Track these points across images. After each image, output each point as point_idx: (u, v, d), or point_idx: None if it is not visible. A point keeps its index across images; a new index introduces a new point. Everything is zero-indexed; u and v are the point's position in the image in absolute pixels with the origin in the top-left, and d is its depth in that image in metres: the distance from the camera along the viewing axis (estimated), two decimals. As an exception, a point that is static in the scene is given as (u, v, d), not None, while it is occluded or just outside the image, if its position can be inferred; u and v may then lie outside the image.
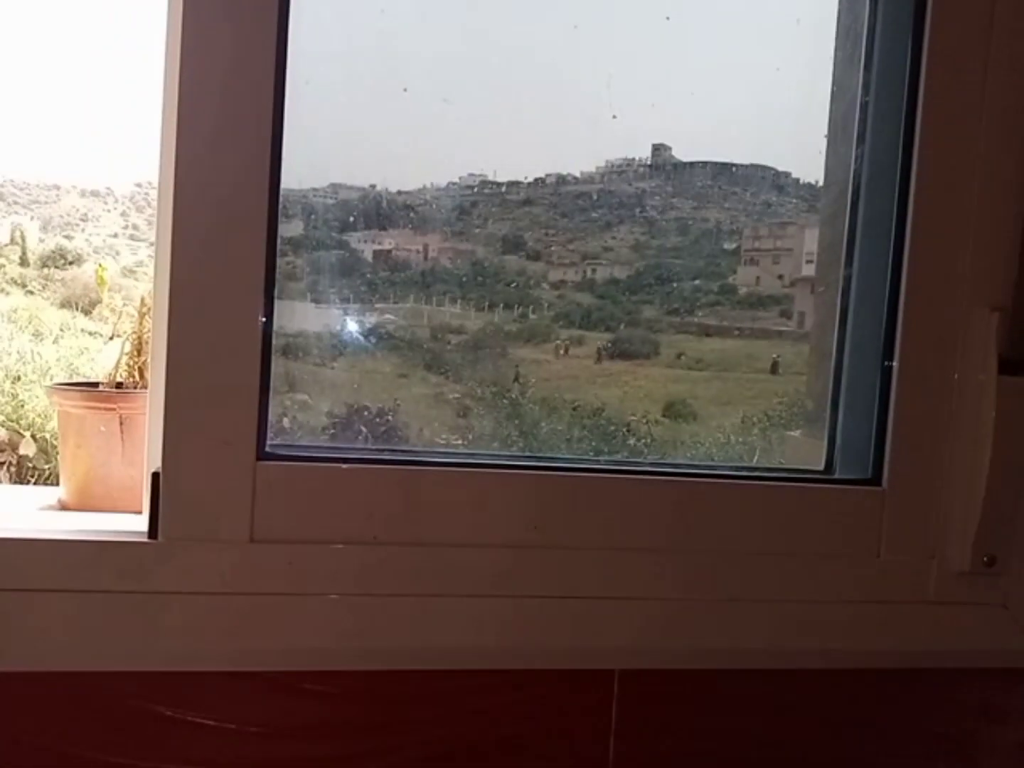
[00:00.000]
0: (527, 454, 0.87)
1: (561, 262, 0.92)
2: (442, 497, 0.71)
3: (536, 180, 0.89)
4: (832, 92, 0.83)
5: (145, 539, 0.65)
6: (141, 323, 0.96)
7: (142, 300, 0.97)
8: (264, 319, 0.67)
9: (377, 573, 0.69)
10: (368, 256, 0.85)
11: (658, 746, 0.76)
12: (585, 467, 0.78)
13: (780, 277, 0.95)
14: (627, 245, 0.92)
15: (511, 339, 0.90)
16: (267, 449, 0.68)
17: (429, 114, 0.81)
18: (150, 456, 0.70)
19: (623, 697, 0.74)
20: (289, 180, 0.77)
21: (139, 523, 0.67)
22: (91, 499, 0.87)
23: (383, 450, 0.80)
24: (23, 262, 2.82)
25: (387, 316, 0.85)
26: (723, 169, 0.91)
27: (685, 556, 0.75)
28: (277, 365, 0.77)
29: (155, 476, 0.65)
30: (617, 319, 0.93)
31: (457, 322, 0.89)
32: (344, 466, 0.69)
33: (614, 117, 0.81)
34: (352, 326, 0.83)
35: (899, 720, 0.81)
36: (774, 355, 0.93)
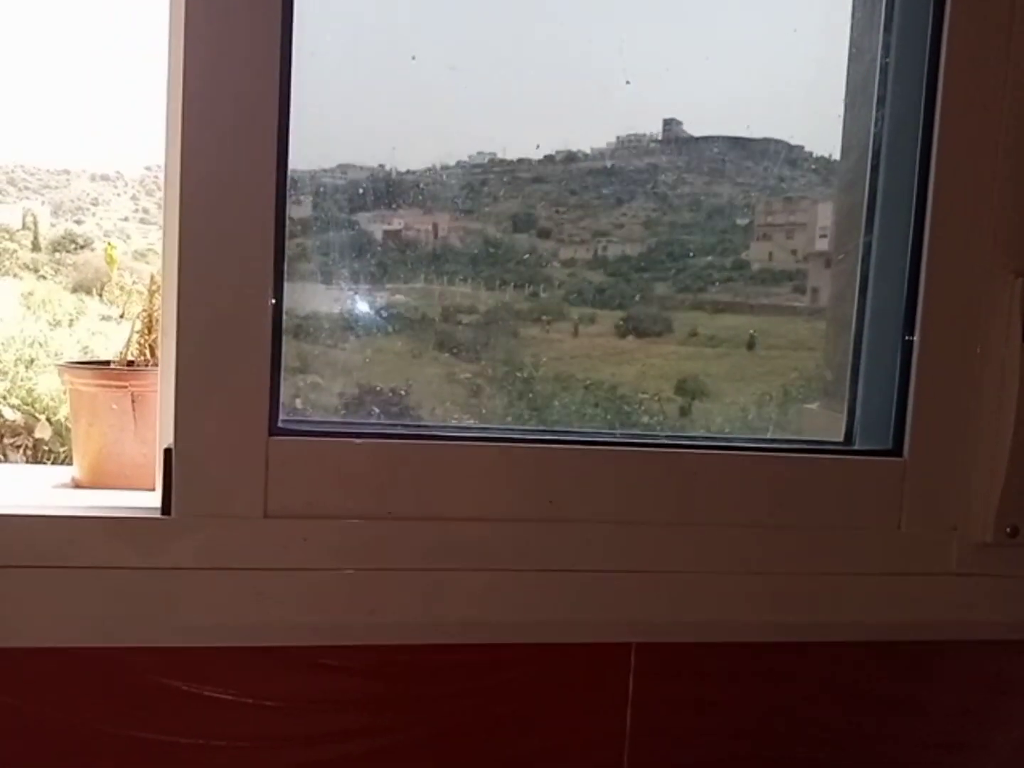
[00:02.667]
0: (541, 428, 0.87)
1: (572, 240, 0.91)
2: (456, 472, 0.71)
3: (546, 157, 0.88)
4: (850, 55, 0.82)
5: (158, 515, 0.66)
6: (151, 301, 0.96)
7: (151, 278, 0.97)
8: (273, 299, 0.67)
9: (391, 548, 0.69)
10: (378, 236, 0.85)
11: (675, 719, 0.76)
12: (600, 440, 0.78)
13: (793, 252, 0.94)
14: (638, 222, 0.91)
15: (522, 318, 0.89)
16: (279, 425, 0.68)
17: (437, 87, 0.81)
18: (162, 433, 0.70)
19: (640, 670, 0.74)
20: (298, 161, 0.77)
21: (152, 500, 0.68)
22: (104, 477, 0.87)
23: (396, 425, 0.80)
24: (35, 247, 2.83)
25: (398, 296, 0.85)
26: (735, 143, 0.90)
27: (702, 529, 0.74)
28: (288, 347, 0.77)
29: (167, 452, 0.65)
30: (629, 296, 0.93)
31: (468, 301, 0.88)
32: (357, 441, 0.69)
33: (628, 83, 0.79)
34: (363, 307, 0.83)
35: (919, 693, 0.81)
36: (751, 331, 0.92)
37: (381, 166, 0.84)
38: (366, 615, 0.68)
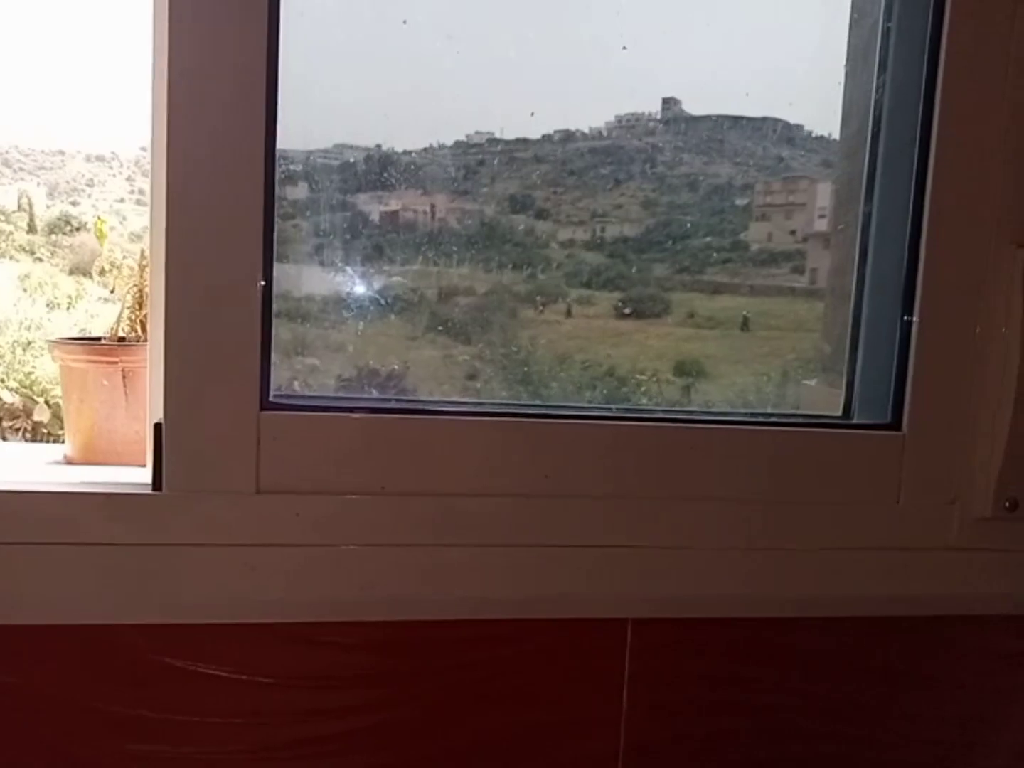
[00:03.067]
0: (536, 403, 0.86)
1: (570, 220, 0.91)
2: (450, 446, 0.70)
3: (544, 137, 0.87)
4: (852, 19, 0.81)
5: (149, 491, 0.65)
6: (141, 277, 0.95)
7: (141, 253, 0.96)
8: (263, 275, 0.66)
9: (385, 523, 0.68)
10: (375, 217, 0.84)
11: (672, 695, 0.77)
12: (595, 415, 0.77)
13: (792, 233, 0.93)
14: (637, 202, 0.90)
15: (520, 299, 0.89)
16: (271, 399, 0.68)
17: (434, 63, 0.80)
18: (152, 408, 0.69)
19: (636, 646, 0.75)
20: (294, 141, 0.76)
21: (143, 476, 0.67)
22: (96, 454, 0.86)
23: (389, 400, 0.79)
24: (31, 228, 2.81)
25: (395, 278, 0.85)
26: (735, 122, 0.89)
27: (699, 503, 0.74)
28: (285, 329, 0.77)
29: (157, 427, 0.65)
30: (627, 278, 0.92)
31: (465, 283, 0.88)
32: (349, 415, 0.69)
33: (624, 48, 0.78)
34: (360, 289, 0.83)
35: (919, 668, 0.81)
36: (744, 312, 0.91)
37: (378, 146, 0.83)
38: (359, 591, 0.68)
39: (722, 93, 0.86)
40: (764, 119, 0.89)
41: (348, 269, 0.83)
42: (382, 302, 0.83)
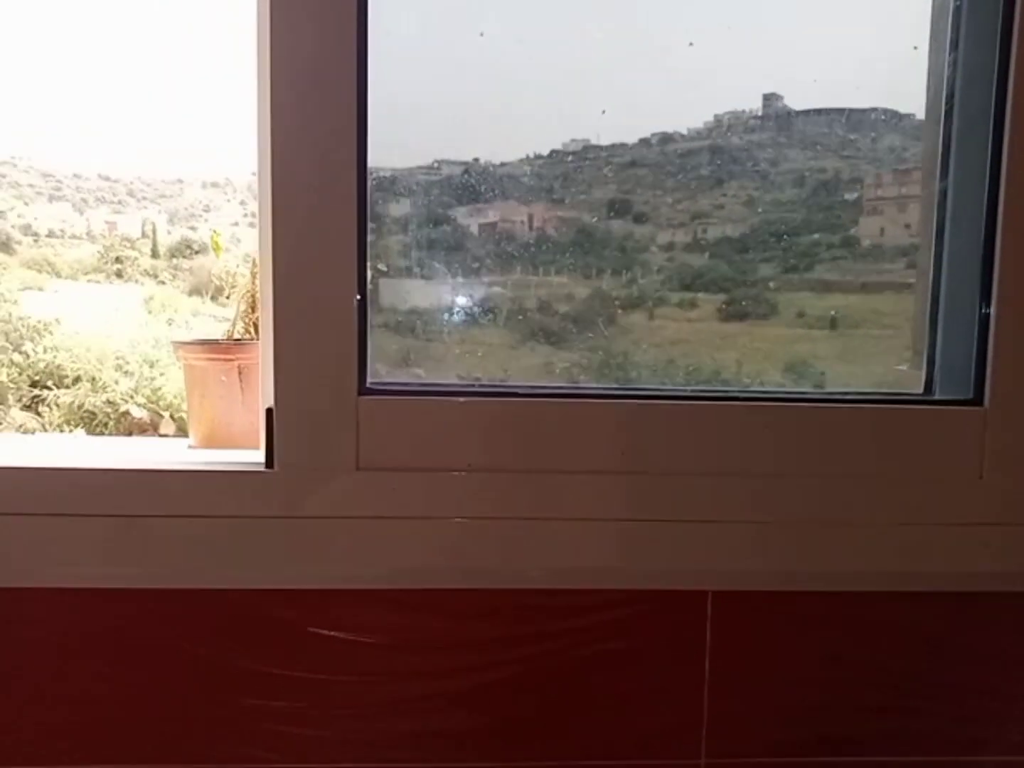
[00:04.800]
0: (615, 385, 0.87)
1: (670, 223, 0.89)
2: (532, 426, 0.74)
3: (641, 140, 0.87)
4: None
5: (263, 468, 0.72)
6: (253, 284, 1.00)
7: (253, 262, 1.02)
8: (359, 284, 0.72)
9: (473, 498, 0.72)
10: (474, 230, 0.85)
11: (753, 666, 0.77)
12: (679, 395, 0.79)
13: (907, 226, 0.89)
14: (739, 202, 0.88)
15: (621, 305, 0.88)
16: (368, 385, 0.73)
17: (531, 77, 0.80)
18: (264, 396, 0.75)
19: (717, 617, 0.76)
20: (395, 160, 0.78)
21: (258, 456, 0.74)
22: (216, 444, 0.93)
23: (472, 384, 0.83)
24: (154, 254, 2.97)
25: (495, 288, 0.85)
26: (839, 115, 0.86)
27: (781, 480, 0.75)
28: (391, 342, 0.80)
29: (268, 412, 0.71)
30: (731, 279, 0.90)
31: (565, 291, 0.88)
32: (438, 398, 0.74)
33: (691, 44, 0.77)
34: (461, 300, 0.84)
35: (1001, 644, 0.79)
36: (832, 311, 0.89)
37: (476, 159, 0.84)
38: (451, 560, 0.73)
39: (824, 85, 0.83)
40: (871, 109, 0.85)
41: (449, 281, 0.84)
42: (483, 312, 0.84)
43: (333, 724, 0.75)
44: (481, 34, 0.79)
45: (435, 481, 0.72)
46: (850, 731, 0.79)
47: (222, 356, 0.96)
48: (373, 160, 0.74)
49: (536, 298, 0.87)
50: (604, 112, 0.83)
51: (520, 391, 0.77)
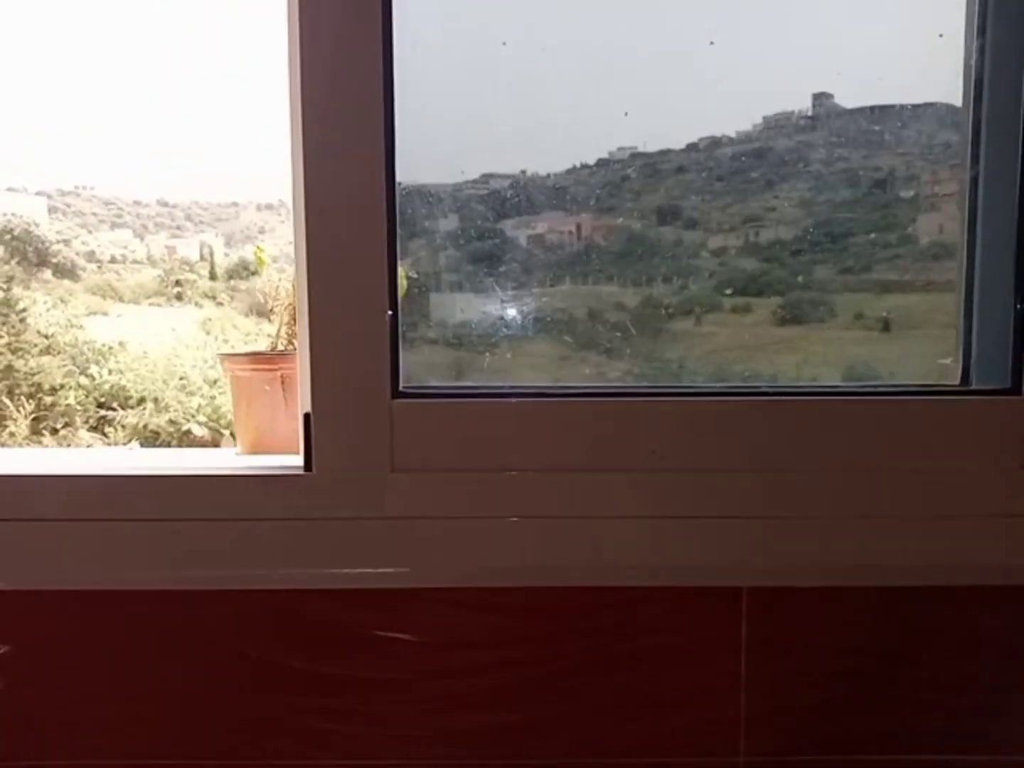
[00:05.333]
0: (644, 384, 0.87)
1: (721, 228, 0.88)
2: (563, 425, 0.75)
3: (689, 146, 0.86)
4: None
5: (302, 472, 0.74)
6: (294, 296, 1.03)
7: (296, 275, 1.05)
8: (389, 290, 0.73)
9: (505, 498, 0.74)
10: (523, 242, 0.85)
11: (789, 662, 0.76)
12: (704, 391, 0.80)
13: (967, 222, 0.86)
14: (792, 203, 0.87)
15: (672, 312, 0.87)
16: (401, 389, 0.75)
17: (578, 87, 0.80)
18: (302, 402, 0.77)
19: (752, 614, 0.75)
20: (443, 176, 0.79)
21: (297, 460, 0.76)
22: (262, 451, 0.95)
23: (504, 387, 0.83)
24: (212, 276, 3.05)
25: (544, 299, 0.85)
26: (892, 112, 0.84)
27: (817, 474, 0.75)
28: (443, 356, 0.80)
29: (306, 417, 0.73)
30: (786, 282, 0.88)
31: (615, 299, 0.87)
32: (469, 400, 0.75)
33: (712, 43, 0.76)
34: (511, 312, 0.84)
35: None
36: (887, 312, 0.86)
37: (523, 172, 0.84)
38: (488, 559, 0.74)
39: (876, 82, 0.81)
40: (925, 105, 0.83)
41: (499, 293, 0.84)
42: (534, 323, 0.84)
43: (376, 721, 0.76)
44: (543, 49, 0.79)
45: (467, 482, 0.74)
46: (889, 728, 0.77)
47: (265, 366, 0.98)
48: (420, 177, 0.75)
49: (587, 308, 0.87)
50: (650, 119, 0.82)
51: (550, 392, 0.78)
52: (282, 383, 0.95)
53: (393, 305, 0.74)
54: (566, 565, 0.74)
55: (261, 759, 0.76)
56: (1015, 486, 0.75)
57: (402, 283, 0.82)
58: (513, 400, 0.75)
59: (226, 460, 0.90)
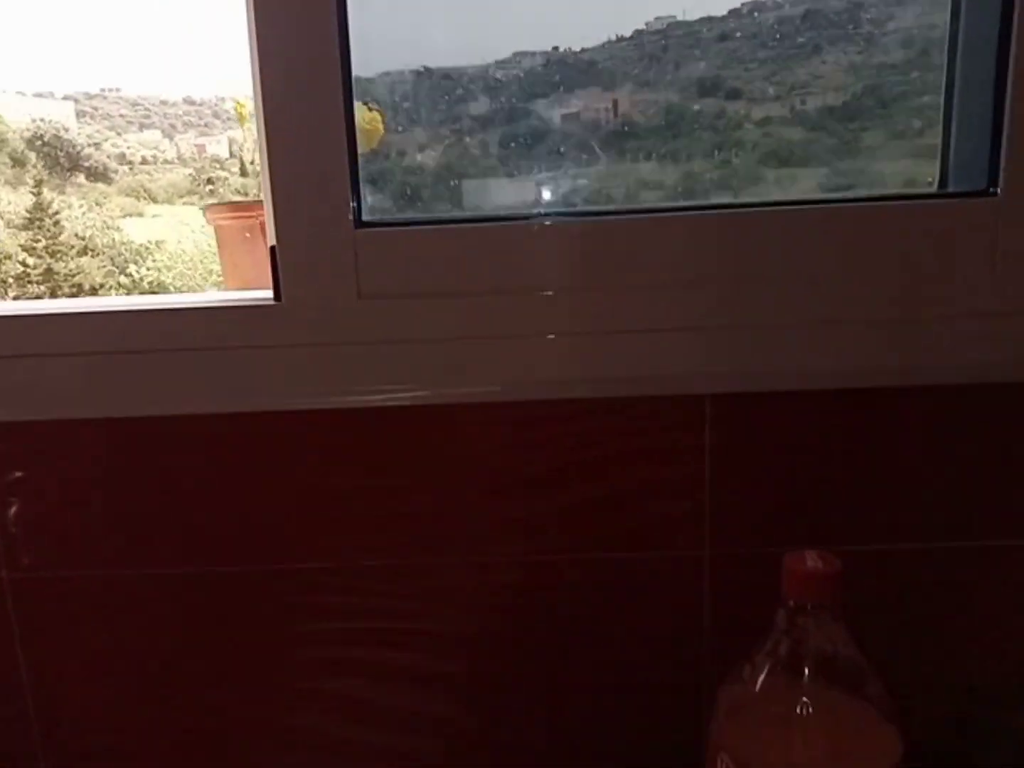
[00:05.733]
0: (611, 207, 0.86)
1: (765, 97, 0.84)
2: (527, 250, 0.75)
3: (730, 12, 0.81)
4: None
5: (272, 302, 0.76)
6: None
7: None
8: (346, 122, 0.73)
9: (465, 319, 0.75)
10: (556, 121, 0.83)
11: (753, 464, 0.78)
12: (682, 207, 0.78)
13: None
14: (841, 68, 0.82)
15: (713, 189, 0.85)
16: (363, 219, 0.77)
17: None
18: (270, 236, 0.78)
19: (715, 420, 0.77)
20: (471, 57, 0.76)
21: (268, 293, 0.78)
22: None
23: (464, 213, 0.84)
24: (243, 172, 3.01)
25: (580, 181, 0.83)
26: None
27: (787, 283, 0.75)
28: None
29: (272, 249, 0.75)
30: (834, 151, 0.85)
31: (655, 177, 0.85)
32: (428, 227, 0.76)
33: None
34: (546, 195, 0.82)
35: (1010, 437, 0.78)
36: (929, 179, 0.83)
37: (555, 48, 0.80)
38: (451, 375, 0.76)
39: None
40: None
41: (533, 176, 0.82)
42: (569, 206, 0.82)
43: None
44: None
45: (429, 307, 0.75)
46: (869, 519, 0.79)
47: (243, 214, 1.02)
48: (451, 60, 0.72)
49: (624, 187, 0.85)
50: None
51: (513, 216, 0.78)
52: (261, 230, 0.98)
53: (351, 139, 0.74)
54: (535, 381, 0.76)
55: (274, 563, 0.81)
56: (986, 286, 0.74)
57: (376, 127, 0.81)
58: (470, 226, 0.76)
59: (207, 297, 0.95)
